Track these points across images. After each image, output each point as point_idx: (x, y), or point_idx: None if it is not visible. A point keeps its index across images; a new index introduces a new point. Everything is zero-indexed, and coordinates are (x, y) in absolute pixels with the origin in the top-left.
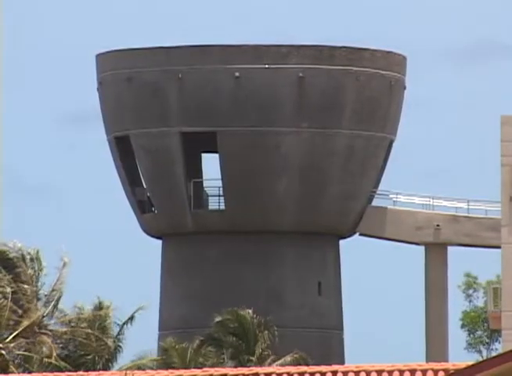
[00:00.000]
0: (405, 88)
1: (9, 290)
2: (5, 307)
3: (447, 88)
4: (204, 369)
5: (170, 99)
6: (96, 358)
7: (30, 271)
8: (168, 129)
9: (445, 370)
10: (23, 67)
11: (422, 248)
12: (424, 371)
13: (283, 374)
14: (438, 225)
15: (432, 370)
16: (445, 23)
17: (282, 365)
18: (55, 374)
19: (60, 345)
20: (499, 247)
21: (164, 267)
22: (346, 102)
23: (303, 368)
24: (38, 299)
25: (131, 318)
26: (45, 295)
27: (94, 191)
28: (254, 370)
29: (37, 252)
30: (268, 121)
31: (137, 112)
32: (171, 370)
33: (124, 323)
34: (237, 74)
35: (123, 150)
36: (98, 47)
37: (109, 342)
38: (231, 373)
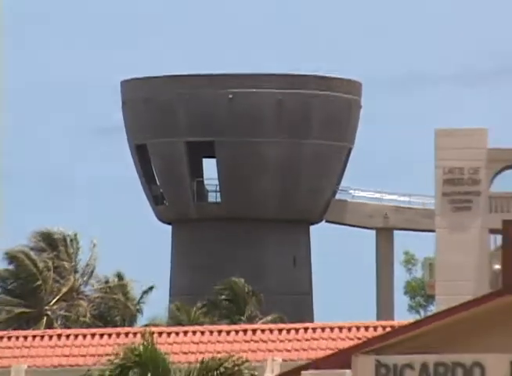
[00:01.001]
0: (360, 107)
1: (50, 264)
2: (50, 278)
3: (393, 107)
4: (204, 326)
5: (178, 116)
6: (122, 318)
7: (69, 249)
8: (176, 139)
9: (392, 326)
10: (67, 90)
11: (373, 232)
12: (375, 327)
13: (265, 329)
14: (386, 214)
15: (381, 326)
16: (389, 57)
17: (264, 323)
18: (90, 329)
19: (93, 307)
20: (433, 230)
21: (174, 247)
22: (314, 118)
23: (281, 325)
24: (76, 272)
25: (151, 288)
26: (81, 268)
27: (119, 188)
28: (244, 326)
29: (75, 235)
30: (254, 133)
31: (152, 126)
32: (179, 327)
33: (144, 292)
34: (231, 96)
35: (141, 155)
36: (122, 75)
37: (131, 306)
38: (225, 329)
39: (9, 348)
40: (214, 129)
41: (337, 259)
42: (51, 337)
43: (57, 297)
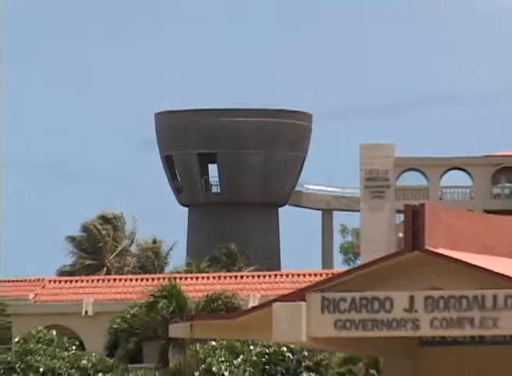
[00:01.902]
0: (311, 130)
1: (109, 232)
2: (108, 242)
3: (332, 129)
4: (209, 273)
5: (192, 136)
6: (154, 268)
7: (120, 223)
8: (192, 151)
9: (332, 274)
10: (120, 115)
11: (320, 212)
12: (321, 274)
13: (249, 276)
14: (329, 203)
15: (325, 273)
16: (331, 94)
17: (249, 271)
18: (134, 275)
19: (136, 261)
20: (359, 211)
21: (189, 222)
22: (281, 138)
23: (260, 273)
24: (125, 237)
25: (173, 248)
26: (128, 235)
27: (154, 184)
28: (235, 273)
29: (122, 214)
30: (240, 147)
31: (175, 142)
32: (192, 274)
33: (169, 251)
34: (221, 122)
35: (168, 162)
36: (156, 107)
37: (161, 261)
38: (222, 275)
39: (82, 287)
40: (215, 145)
41: (296, 230)
42: (109, 280)
43: (113, 254)
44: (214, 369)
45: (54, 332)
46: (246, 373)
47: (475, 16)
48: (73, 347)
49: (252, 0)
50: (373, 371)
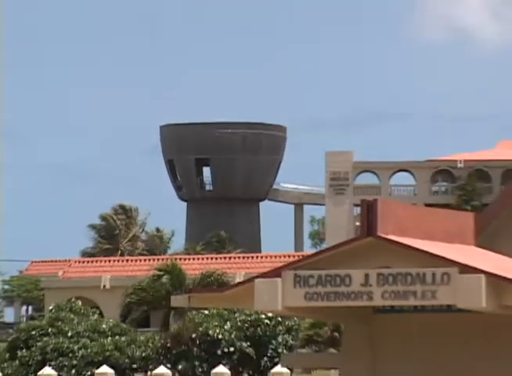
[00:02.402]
0: (286, 139)
1: (123, 222)
2: (122, 229)
3: (305, 139)
4: (203, 255)
5: (189, 144)
6: (159, 250)
7: (134, 214)
8: (189, 156)
9: (302, 255)
10: (131, 127)
11: (293, 206)
12: (294, 255)
13: (236, 257)
14: (300, 198)
15: (297, 255)
16: (301, 108)
17: (236, 253)
18: (143, 256)
19: (145, 246)
20: (324, 205)
21: (187, 214)
22: (262, 146)
23: (245, 254)
24: (136, 225)
25: (174, 235)
26: (139, 225)
27: (158, 183)
28: (224, 255)
29: (137, 208)
30: (229, 153)
31: (176, 149)
32: (189, 256)
33: (171, 237)
34: (217, 133)
35: (170, 165)
36: (161, 121)
37: (164, 245)
38: (214, 256)
39: (100, 266)
40: (208, 151)
41: (273, 220)
42: (122, 260)
43: (126, 239)
44: (210, 332)
45: (80, 302)
46: (233, 335)
47: (427, 46)
48: (95, 315)
49: (234, 37)
50: (335, 334)
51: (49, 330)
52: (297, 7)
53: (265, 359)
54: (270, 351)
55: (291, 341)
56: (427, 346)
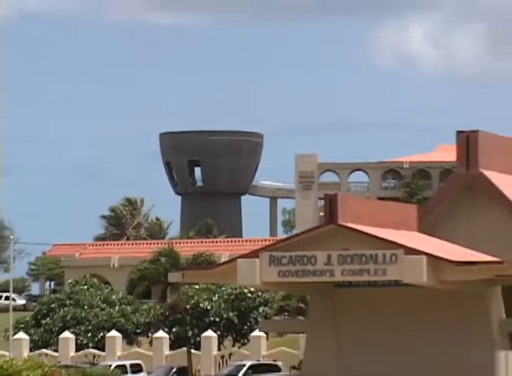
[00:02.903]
0: (263, 144)
1: (129, 211)
2: (128, 217)
3: (278, 144)
4: (194, 239)
5: (183, 148)
6: (158, 235)
7: (138, 205)
8: (184, 159)
9: (276, 240)
10: (136, 135)
11: (268, 199)
12: (269, 240)
13: (221, 241)
14: (274, 193)
15: (272, 240)
16: (275, 117)
17: (221, 238)
18: (145, 241)
19: (147, 232)
20: (294, 198)
21: (182, 206)
22: (243, 150)
23: (228, 239)
24: (139, 215)
25: (171, 223)
26: (142, 214)
27: (158, 180)
28: (212, 239)
29: (143, 199)
30: (216, 156)
31: (173, 153)
32: (183, 240)
33: (168, 224)
34: (206, 140)
35: (168, 166)
36: (160, 129)
37: (162, 231)
38: (204, 240)
39: (110, 248)
40: (199, 155)
41: (253, 211)
42: (128, 244)
43: (131, 226)
44: (200, 304)
45: (95, 279)
46: (222, 306)
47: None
48: (106, 289)
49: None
50: (302, 305)
51: (68, 302)
52: (272, 29)
53: (246, 326)
54: (251, 319)
55: (267, 310)
56: (378, 314)
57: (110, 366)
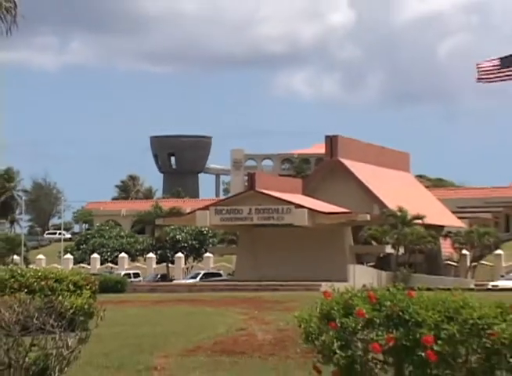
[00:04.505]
0: (211, 143)
1: (129, 184)
2: (131, 186)
3: (221, 144)
4: (172, 199)
5: (165, 146)
6: (149, 198)
7: (139, 181)
8: (165, 152)
9: (219, 200)
10: (135, 136)
11: (214, 176)
12: (215, 199)
13: (187, 201)
14: (218, 171)
15: (217, 200)
16: (225, 123)
17: (187, 199)
18: (142, 201)
19: (143, 196)
20: (230, 175)
21: (163, 180)
22: (199, 147)
23: (192, 199)
24: (139, 185)
25: (157, 190)
26: (140, 184)
27: (148, 166)
28: (182, 200)
29: (140, 176)
30: (184, 150)
31: (158, 149)
32: (165, 199)
33: (155, 191)
34: (179, 141)
35: (156, 157)
36: (152, 131)
37: (151, 195)
38: (178, 200)
39: (120, 204)
40: (174, 150)
41: (206, 184)
42: (132, 202)
43: (133, 191)
44: (175, 237)
45: (112, 222)
46: (188, 238)
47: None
48: (118, 228)
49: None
50: (234, 237)
51: (96, 235)
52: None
53: (202, 250)
54: (205, 246)
55: (215, 241)
56: (279, 243)
57: (120, 273)
